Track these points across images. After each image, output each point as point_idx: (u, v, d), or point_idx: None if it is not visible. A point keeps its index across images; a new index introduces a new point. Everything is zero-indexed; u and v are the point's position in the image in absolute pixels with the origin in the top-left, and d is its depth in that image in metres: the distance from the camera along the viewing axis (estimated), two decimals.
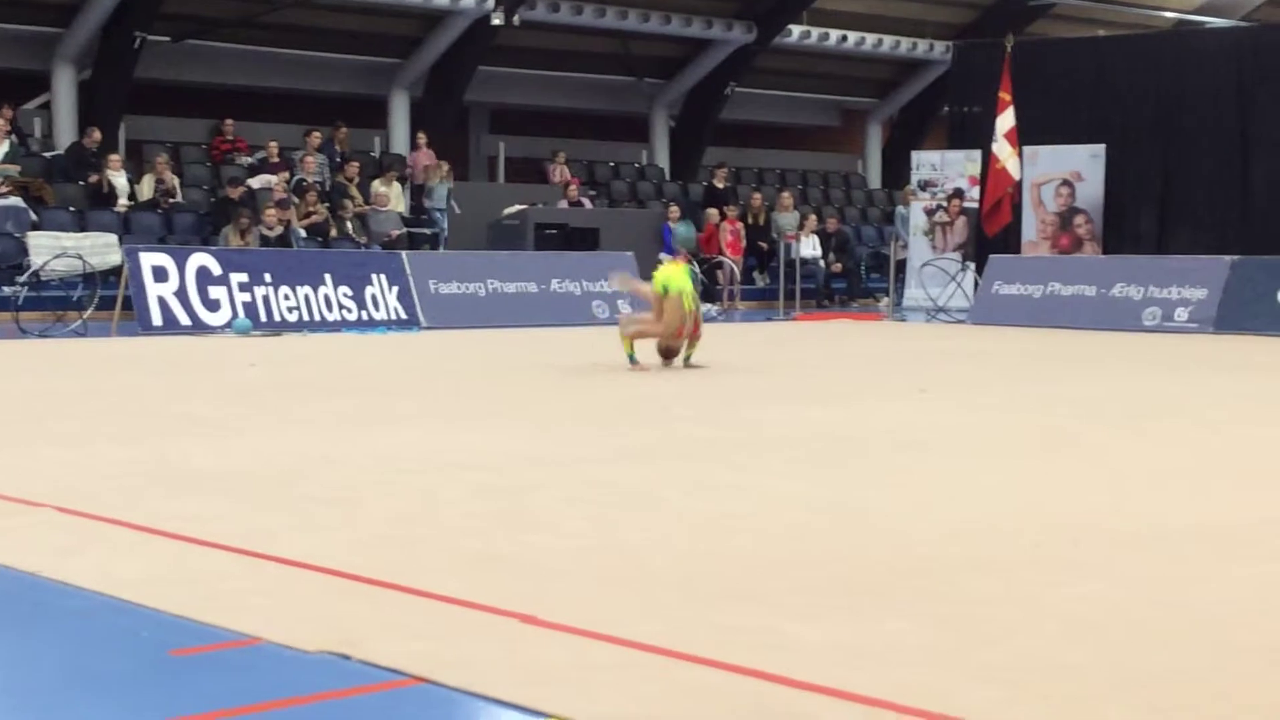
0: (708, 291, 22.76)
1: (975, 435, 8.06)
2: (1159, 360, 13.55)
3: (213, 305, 16.25)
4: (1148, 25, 28.87)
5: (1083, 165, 20.22)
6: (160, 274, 16.05)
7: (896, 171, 28.80)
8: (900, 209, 24.88)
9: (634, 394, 9.98)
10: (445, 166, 23.00)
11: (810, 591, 4.35)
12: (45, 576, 4.51)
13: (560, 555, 4.82)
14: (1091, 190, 20.17)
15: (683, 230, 23.23)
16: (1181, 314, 17.59)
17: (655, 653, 3.68)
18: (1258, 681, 3.52)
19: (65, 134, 22.12)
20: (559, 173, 25.24)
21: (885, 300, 22.60)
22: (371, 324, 17.06)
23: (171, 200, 20.80)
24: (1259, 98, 19.40)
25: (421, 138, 23.95)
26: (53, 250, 17.00)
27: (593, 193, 25.29)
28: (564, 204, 23.31)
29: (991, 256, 19.85)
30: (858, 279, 24.97)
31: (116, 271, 16.76)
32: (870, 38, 28.26)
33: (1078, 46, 22.23)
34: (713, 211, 23.92)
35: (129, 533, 5.15)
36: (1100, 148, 20.06)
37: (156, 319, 15.84)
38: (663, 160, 28.53)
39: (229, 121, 23.28)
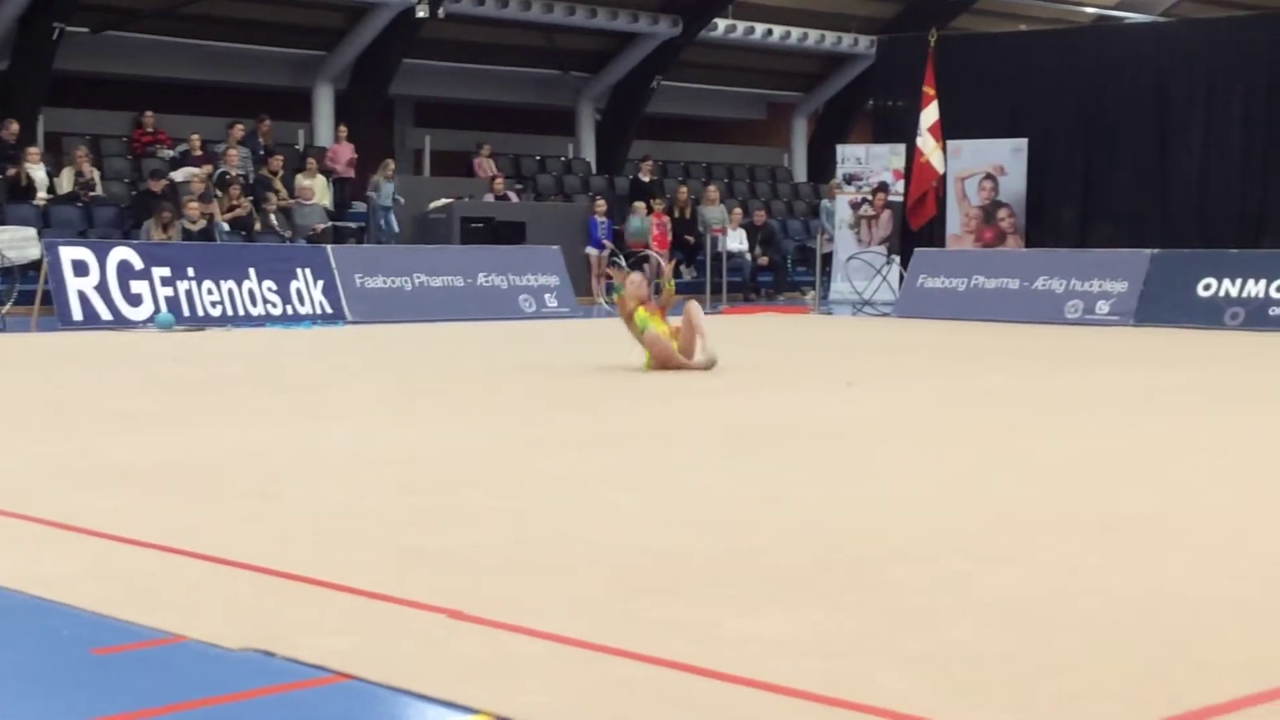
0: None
1: (901, 427, 8.11)
2: (1081, 352, 13.70)
3: (134, 300, 16.07)
4: (1069, 20, 29.16)
5: (1005, 159, 20.40)
6: (80, 268, 15.86)
7: (822, 165, 28.92)
8: (825, 202, 24.99)
9: (561, 387, 9.97)
10: (390, 164, 22.71)
11: (737, 584, 4.36)
12: None
13: (487, 549, 4.81)
14: (1014, 184, 20.35)
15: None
16: (1103, 307, 17.80)
17: (582, 646, 3.68)
18: (1182, 667, 3.57)
19: None
20: (484, 166, 25.16)
21: (811, 293, 22.70)
22: (296, 318, 16.93)
23: (92, 193, 20.54)
24: (1177, 92, 19.65)
25: (342, 130, 23.74)
26: None
27: (519, 186, 25.23)
28: (490, 198, 23.24)
29: (916, 250, 20.00)
30: (784, 272, 25.07)
31: (36, 266, 16.55)
32: (795, 32, 28.36)
33: (1000, 41, 22.42)
34: (639, 205, 23.94)
35: (48, 530, 5.09)
36: (1023, 142, 20.26)
37: (77, 314, 15.65)
38: (589, 154, 28.51)
39: (149, 114, 23.01)
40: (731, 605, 4.09)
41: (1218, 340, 15.30)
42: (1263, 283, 16.87)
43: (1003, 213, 20.43)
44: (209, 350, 13.29)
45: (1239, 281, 17.04)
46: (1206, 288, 17.22)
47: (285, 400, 9.19)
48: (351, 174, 23.20)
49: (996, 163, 20.42)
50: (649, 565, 4.60)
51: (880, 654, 3.65)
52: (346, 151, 23.31)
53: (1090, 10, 29.95)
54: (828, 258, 22.26)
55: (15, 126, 20.81)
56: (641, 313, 10.85)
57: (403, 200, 21.94)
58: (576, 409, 8.80)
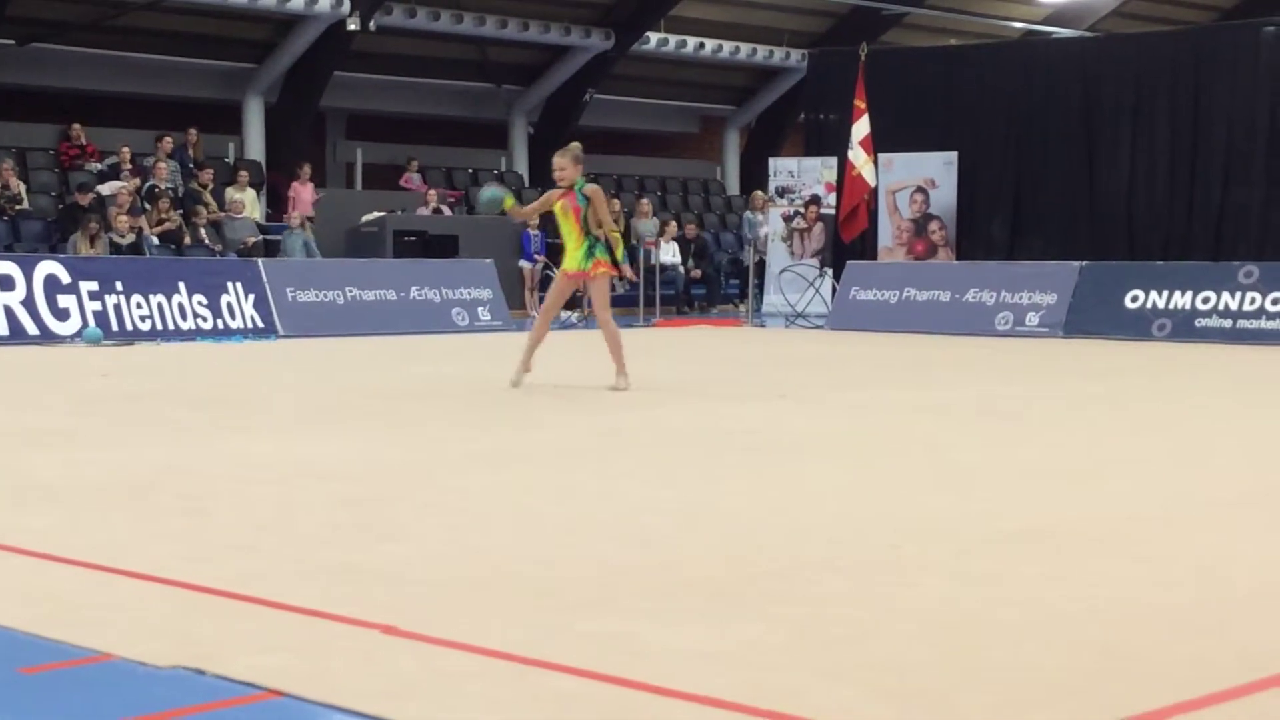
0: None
1: (831, 438, 8.16)
2: (1010, 364, 13.83)
3: (62, 314, 15.91)
4: (997, 35, 29.43)
5: (936, 172, 20.56)
6: (6, 283, 15.68)
7: (755, 178, 29.01)
8: (748, 214, 25.14)
9: (491, 400, 9.95)
10: (298, 218, 21.46)
11: (666, 596, 4.38)
12: None
13: (417, 564, 4.80)
14: (945, 197, 20.51)
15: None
16: (1033, 318, 17.98)
17: (514, 661, 3.68)
18: (1107, 678, 3.61)
19: None
20: (412, 180, 25.08)
21: (744, 306, 22.78)
22: (227, 333, 16.82)
23: (18, 207, 20.30)
24: (1104, 106, 19.87)
25: (305, 170, 22.91)
26: None
27: (451, 199, 25.18)
28: (423, 211, 23.17)
29: (849, 263, 20.12)
30: (717, 285, 25.15)
31: None
32: (728, 45, 28.47)
33: (930, 55, 22.59)
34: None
35: None
36: (953, 155, 20.42)
37: (3, 329, 15.47)
38: (522, 167, 28.49)
39: (77, 126, 22.79)
40: (661, 618, 4.10)
41: (1145, 351, 15.48)
42: (1189, 294, 17.09)
43: (934, 225, 20.59)
44: (138, 365, 13.17)
45: (1166, 293, 17.26)
46: (1134, 299, 17.43)
47: (214, 415, 9.12)
48: (311, 214, 22.52)
49: (928, 176, 20.57)
50: (578, 578, 4.61)
51: (809, 665, 3.67)
52: (308, 192, 22.71)
53: (1018, 25, 30.25)
54: (759, 269, 22.37)
55: None
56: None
57: (314, 246, 21.27)
58: (506, 423, 8.79)
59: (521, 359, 10.64)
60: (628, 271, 11.49)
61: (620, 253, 10.74)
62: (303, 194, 22.53)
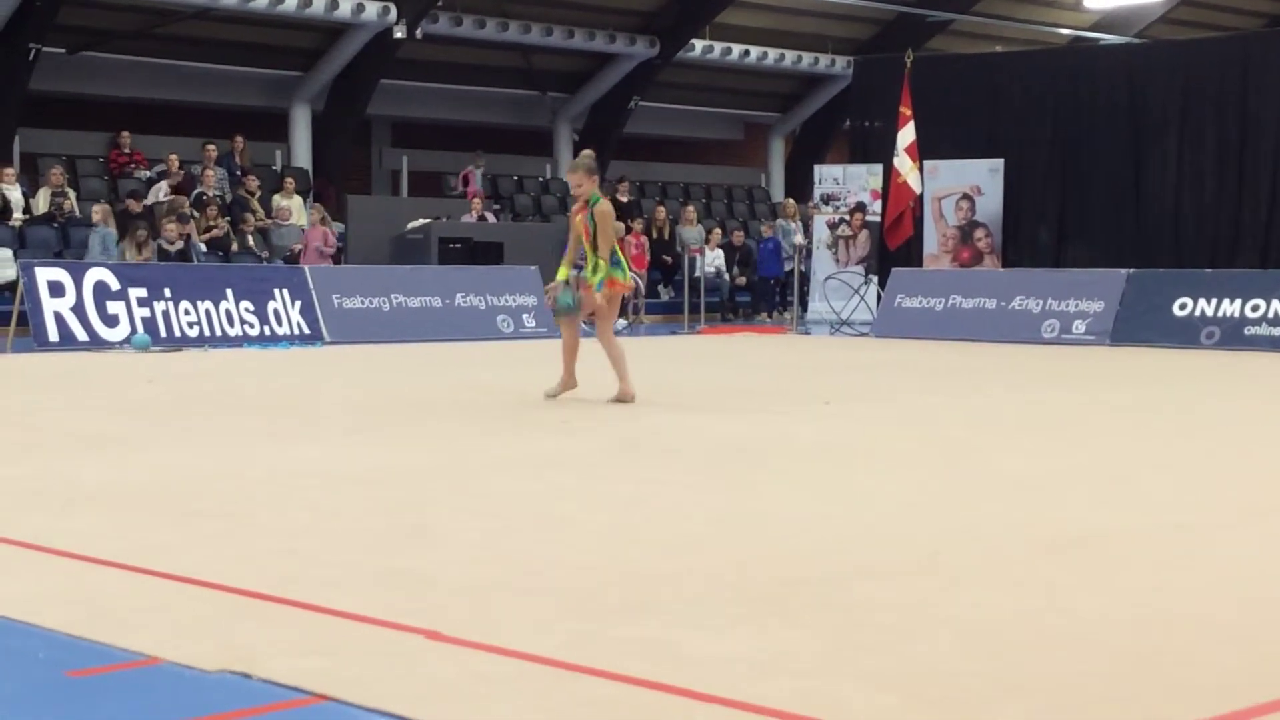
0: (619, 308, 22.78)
1: (875, 446, 8.14)
2: (1056, 372, 13.75)
3: (111, 320, 16.04)
4: (1044, 41, 29.32)
5: (982, 179, 20.49)
6: (56, 289, 15.82)
7: (799, 185, 29.00)
8: (782, 223, 25.13)
9: (532, 406, 9.97)
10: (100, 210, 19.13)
11: (706, 602, 4.38)
12: None
13: (456, 569, 4.82)
14: (991, 204, 20.44)
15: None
16: (1079, 326, 17.88)
17: (553, 666, 3.70)
18: (1149, 686, 3.60)
19: None
20: (476, 176, 25.17)
21: (789, 314, 22.76)
22: (274, 339, 16.92)
23: (68, 214, 20.51)
24: (1151, 113, 19.77)
25: (315, 213, 21.30)
26: None
27: (496, 206, 25.26)
28: (469, 218, 23.26)
29: (894, 270, 20.07)
30: (761, 293, 25.11)
31: (11, 287, 16.50)
32: (772, 52, 28.46)
33: (976, 62, 22.53)
34: (618, 225, 23.93)
35: (19, 551, 5.08)
36: (999, 162, 20.35)
37: (53, 335, 15.61)
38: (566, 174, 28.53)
39: (126, 134, 22.99)
40: (699, 624, 4.11)
41: (1194, 360, 15.37)
42: (1238, 302, 16.97)
43: (979, 233, 20.52)
44: (184, 371, 13.27)
45: (1214, 301, 17.14)
46: (1182, 307, 17.31)
47: (258, 421, 9.18)
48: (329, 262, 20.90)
49: (973, 183, 20.51)
50: (617, 584, 4.62)
51: (848, 673, 3.67)
52: (318, 236, 20.77)
53: (1065, 31, 30.11)
54: (802, 276, 22.37)
55: None
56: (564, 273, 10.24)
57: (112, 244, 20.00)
58: (547, 429, 8.81)
59: (564, 382, 10.37)
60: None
61: (625, 264, 10.38)
62: (313, 238, 20.72)
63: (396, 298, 18.20)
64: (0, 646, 3.99)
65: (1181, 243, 19.40)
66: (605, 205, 10.16)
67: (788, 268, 23.36)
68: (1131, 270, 18.02)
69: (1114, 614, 4.29)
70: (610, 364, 10.29)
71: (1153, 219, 19.68)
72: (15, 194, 20.36)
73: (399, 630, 4.02)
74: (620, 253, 10.29)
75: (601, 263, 10.07)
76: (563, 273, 10.29)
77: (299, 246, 21.06)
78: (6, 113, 22.23)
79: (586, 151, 10.52)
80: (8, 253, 18.09)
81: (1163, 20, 30.58)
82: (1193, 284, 17.46)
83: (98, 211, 18.27)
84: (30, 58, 21.78)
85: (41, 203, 20.60)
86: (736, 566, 4.89)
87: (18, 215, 20.18)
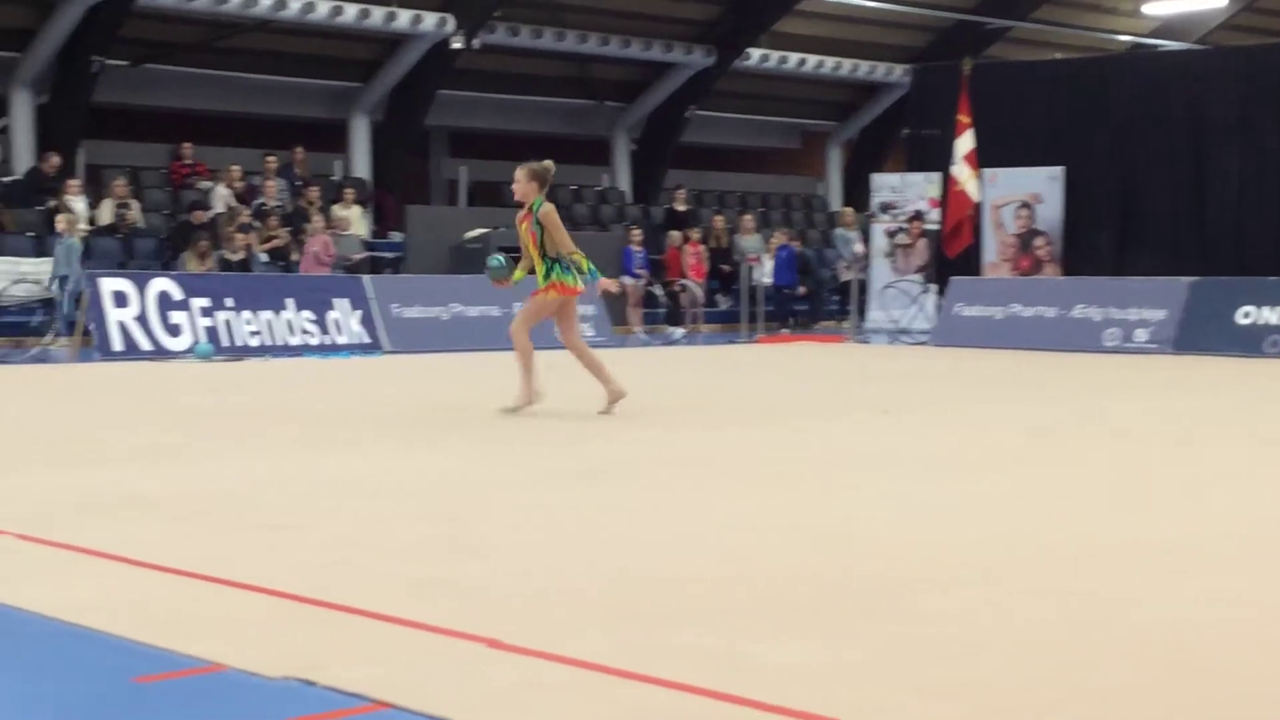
0: (671, 315, 22.83)
1: (933, 455, 8.10)
2: (1117, 381, 13.65)
3: (174, 330, 16.20)
4: (1103, 48, 29.10)
5: (1042, 187, 20.36)
6: (121, 299, 15.99)
7: (857, 193, 28.92)
8: (839, 231, 25.06)
9: (588, 415, 9.97)
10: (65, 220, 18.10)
11: (764, 611, 4.38)
12: (4, 603, 4.49)
13: (511, 577, 4.84)
14: (1051, 212, 20.31)
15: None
16: (1141, 335, 17.73)
17: (611, 674, 3.71)
18: (1205, 697, 3.56)
19: (23, 159, 21.99)
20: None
21: (847, 322, 22.69)
22: (334, 348, 17.02)
23: (131, 225, 20.70)
24: (1213, 119, 19.58)
25: (318, 221, 20.44)
26: (11, 276, 16.91)
27: None
28: None
29: (952, 278, 19.97)
30: (820, 301, 25.06)
31: (76, 297, 16.69)
32: (829, 61, 28.40)
33: (1035, 69, 22.40)
34: (675, 234, 23.98)
35: (85, 558, 5.14)
36: (1059, 170, 20.22)
37: (117, 344, 15.77)
38: (624, 183, 28.58)
39: (187, 145, 23.20)
40: (757, 633, 4.11)
41: (1257, 368, 15.22)
42: None
43: (1039, 241, 20.38)
44: (245, 381, 13.37)
45: (1278, 309, 16.95)
46: (1245, 315, 17.14)
47: (314, 430, 9.24)
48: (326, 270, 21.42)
49: (1033, 191, 20.38)
50: (674, 593, 4.62)
51: (907, 682, 3.66)
52: (318, 244, 19.94)
53: (1124, 38, 29.89)
54: (854, 285, 22.31)
55: (56, 159, 21.02)
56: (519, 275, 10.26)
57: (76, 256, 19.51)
58: (602, 438, 8.82)
59: (524, 392, 10.09)
60: (607, 284, 11.14)
61: (586, 265, 10.16)
62: (312, 246, 19.99)
63: (455, 307, 18.28)
64: (67, 653, 4.03)
65: (1244, 250, 19.19)
66: (548, 206, 10.01)
67: (845, 277, 23.28)
68: (1194, 278, 17.85)
69: (1171, 623, 4.26)
70: (587, 371, 10.09)
71: (1214, 226, 19.48)
72: (79, 205, 20.58)
73: (459, 638, 4.03)
74: (580, 257, 10.06)
75: (555, 266, 9.98)
76: (517, 274, 10.32)
77: (358, 257, 21.18)
78: (71, 125, 22.48)
79: (546, 162, 10.28)
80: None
81: (1223, 26, 30.31)
82: (1256, 292, 17.28)
83: (61, 221, 17.63)
84: (94, 70, 22.03)
85: (105, 214, 20.81)
86: (793, 575, 4.88)
87: (82, 226, 20.38)
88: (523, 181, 10.01)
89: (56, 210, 20.05)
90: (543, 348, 10.44)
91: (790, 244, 24.15)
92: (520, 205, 10.27)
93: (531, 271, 10.27)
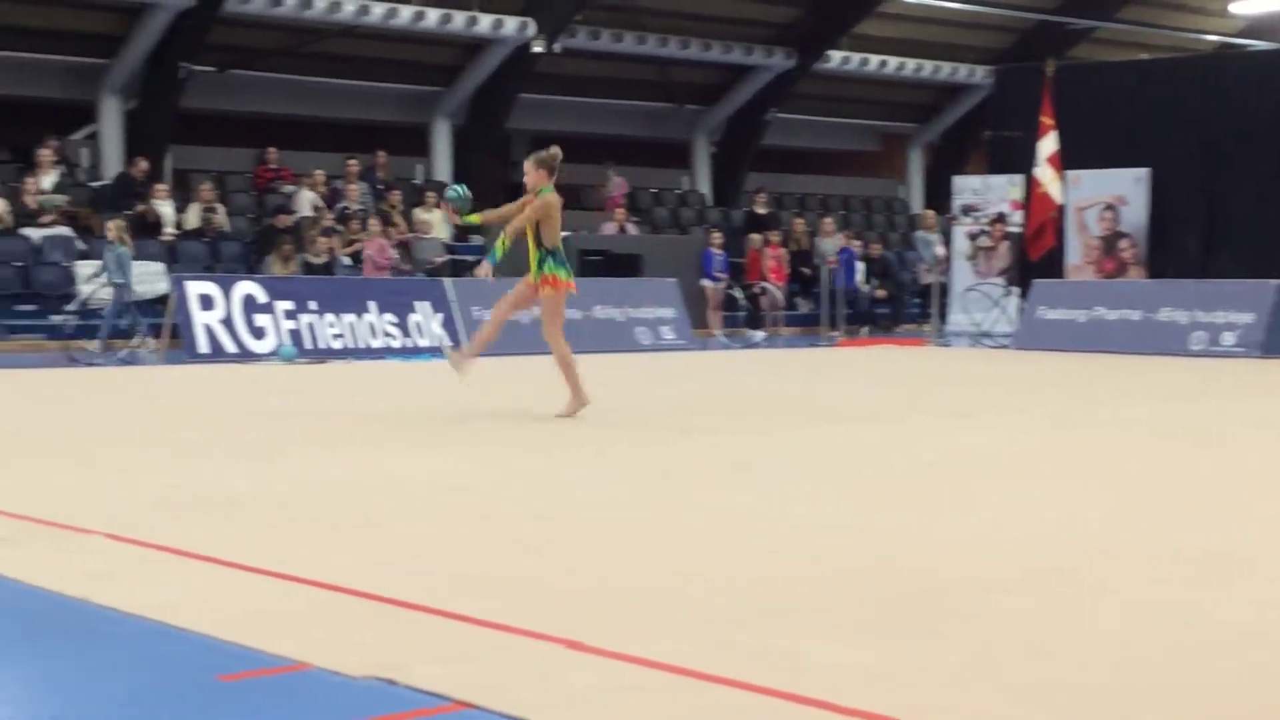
0: (751, 318, 22.81)
1: (1010, 458, 8.05)
2: (1202, 384, 13.47)
3: (259, 333, 16.38)
4: (1189, 48, 28.76)
5: (1126, 189, 20.14)
6: (206, 302, 16.20)
7: (938, 196, 28.74)
8: (920, 234, 24.91)
9: (658, 415, 9.97)
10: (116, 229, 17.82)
11: (834, 613, 4.37)
12: (93, 602, 4.56)
13: (585, 578, 4.86)
14: (1136, 214, 20.09)
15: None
16: (1228, 338, 17.50)
17: (685, 675, 3.72)
18: None
19: (112, 164, 22.34)
20: (612, 187, 25.30)
21: (928, 325, 22.56)
22: (415, 351, 17.14)
23: (217, 229, 20.96)
24: None
25: (374, 224, 20.57)
26: (101, 280, 17.17)
27: (635, 219, 25.35)
28: (608, 229, 23.37)
29: (1035, 281, 19.80)
30: (901, 304, 24.93)
31: (163, 300, 16.93)
32: (910, 62, 28.26)
33: (1119, 70, 22.16)
34: (755, 237, 23.95)
35: (170, 557, 5.21)
36: (1144, 171, 19.99)
37: (204, 347, 15.97)
38: (704, 186, 28.58)
39: (273, 150, 23.46)
40: (828, 634, 4.11)
41: None
42: None
43: (1124, 243, 20.16)
44: (327, 383, 13.49)
45: None
46: None
47: (391, 432, 9.31)
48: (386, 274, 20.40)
49: (1117, 193, 20.16)
50: (747, 594, 4.62)
51: (977, 684, 3.64)
52: (375, 247, 20.09)
53: (1211, 38, 29.51)
54: (938, 288, 22.18)
55: (144, 164, 21.33)
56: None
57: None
58: (666, 441, 8.82)
59: (472, 349, 10.28)
60: (484, 270, 10.59)
61: (501, 248, 9.96)
62: (370, 249, 20.08)
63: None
64: (153, 651, 4.09)
65: None
66: (551, 196, 9.87)
67: (926, 280, 23.15)
68: None
69: (1254, 628, 4.21)
70: (558, 369, 9.96)
71: None
72: (167, 209, 20.87)
73: (539, 639, 4.05)
74: (507, 238, 9.88)
75: (549, 258, 9.85)
76: (475, 218, 10.30)
77: (439, 260, 21.32)
78: (159, 131, 22.81)
79: (554, 149, 10.15)
80: (160, 267, 18.54)
81: None
82: None
83: (112, 229, 17.33)
84: (182, 76, 22.34)
85: (192, 218, 21.09)
86: (866, 577, 4.87)
87: (169, 230, 20.67)
88: (531, 171, 9.96)
89: (145, 214, 20.38)
90: (540, 350, 10.38)
91: (850, 245, 24.03)
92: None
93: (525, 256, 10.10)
